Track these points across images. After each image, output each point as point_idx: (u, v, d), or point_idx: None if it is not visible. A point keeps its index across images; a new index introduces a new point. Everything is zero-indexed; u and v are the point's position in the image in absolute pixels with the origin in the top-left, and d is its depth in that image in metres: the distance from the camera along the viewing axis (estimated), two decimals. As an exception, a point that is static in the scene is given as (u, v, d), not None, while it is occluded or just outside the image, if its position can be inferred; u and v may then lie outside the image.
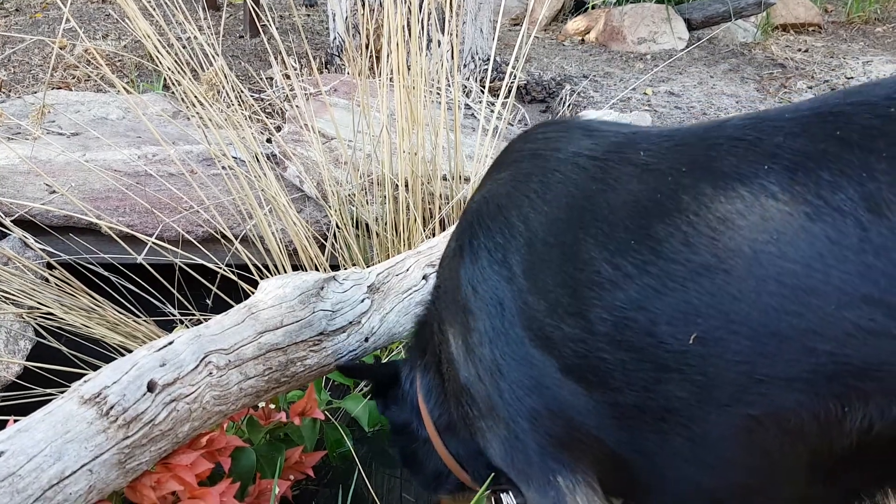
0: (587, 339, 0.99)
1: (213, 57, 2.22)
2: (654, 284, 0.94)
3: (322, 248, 2.43)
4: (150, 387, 1.25)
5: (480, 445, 1.25)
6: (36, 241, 2.21)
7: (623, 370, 0.97)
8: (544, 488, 1.13)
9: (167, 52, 2.19)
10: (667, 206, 0.96)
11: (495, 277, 1.12)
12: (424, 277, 1.79)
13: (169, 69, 2.20)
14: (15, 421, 1.25)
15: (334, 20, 3.79)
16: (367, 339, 1.65)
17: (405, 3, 2.40)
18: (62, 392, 1.25)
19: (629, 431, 1.02)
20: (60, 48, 4.02)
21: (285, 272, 2.37)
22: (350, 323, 1.61)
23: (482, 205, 1.21)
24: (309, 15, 4.88)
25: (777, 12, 4.88)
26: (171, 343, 1.34)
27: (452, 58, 2.51)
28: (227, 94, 2.36)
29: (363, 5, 3.53)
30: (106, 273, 2.23)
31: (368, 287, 1.68)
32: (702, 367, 0.91)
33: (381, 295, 1.71)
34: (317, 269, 2.37)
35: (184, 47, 2.36)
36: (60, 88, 3.28)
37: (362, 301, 1.65)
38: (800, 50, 4.70)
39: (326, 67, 3.84)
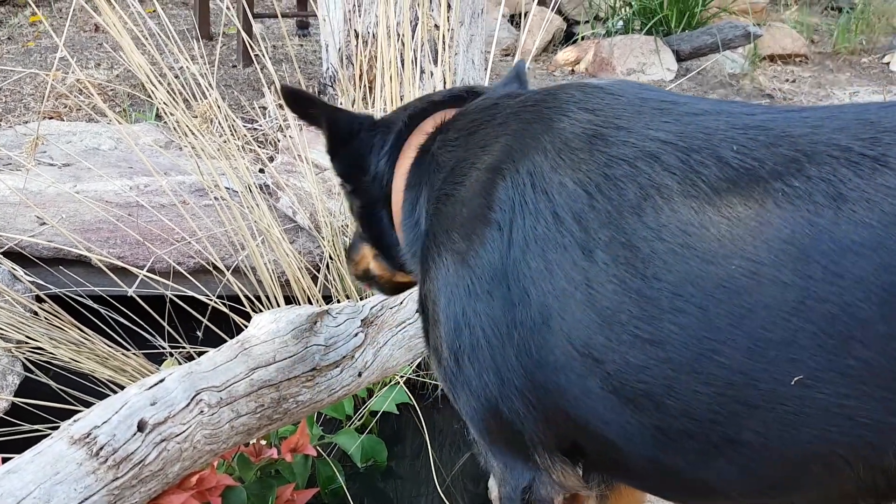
0: (653, 367, 0.90)
1: (207, 89, 2.22)
2: (757, 318, 0.84)
3: (315, 279, 2.42)
4: (141, 426, 1.24)
5: (449, 398, 1.18)
6: (25, 274, 2.19)
7: (689, 401, 0.89)
8: (525, 463, 1.10)
9: (160, 83, 2.19)
10: (774, 223, 0.85)
11: (528, 272, 0.99)
12: (419, 310, 1.78)
13: (162, 101, 2.20)
14: (4, 459, 1.23)
15: (327, 51, 3.81)
16: (360, 374, 1.63)
17: (398, 36, 2.41)
18: (51, 428, 1.24)
19: (663, 450, 0.94)
20: (53, 78, 4.02)
21: (278, 304, 2.36)
22: (343, 357, 1.60)
23: (521, 173, 1.03)
24: (302, 45, 4.90)
25: (764, 43, 4.93)
26: (162, 381, 1.32)
27: (445, 86, 2.53)
28: (220, 125, 2.37)
29: (356, 37, 3.55)
30: (96, 306, 2.22)
31: (362, 321, 1.67)
32: (797, 408, 0.84)
33: (375, 328, 1.70)
34: (309, 301, 2.36)
35: (176, 77, 2.37)
36: (52, 118, 3.28)
37: (356, 335, 1.64)
38: (787, 80, 4.75)
39: (319, 97, 3.85)
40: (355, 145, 1.31)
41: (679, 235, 0.89)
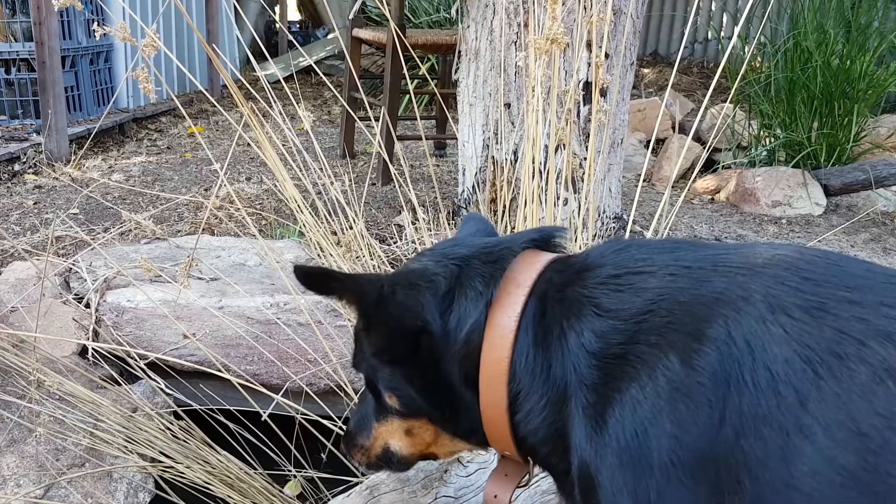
0: None
1: (354, 219, 2.27)
2: None
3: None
4: (267, 580, 1.20)
5: None
6: (167, 387, 2.25)
7: None
8: None
9: (304, 203, 2.26)
10: None
11: (742, 458, 0.89)
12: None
13: (304, 223, 2.27)
14: None
15: (464, 174, 3.88)
16: (488, 532, 1.55)
17: (542, 174, 2.41)
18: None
19: None
20: (205, 189, 4.26)
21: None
22: (472, 511, 1.53)
23: (737, 342, 0.92)
24: (438, 165, 5.03)
25: (921, 181, 4.69)
26: (291, 529, 1.29)
27: (583, 218, 2.50)
28: (358, 245, 2.41)
29: (494, 163, 3.60)
30: (227, 422, 2.25)
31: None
32: None
33: (506, 481, 1.62)
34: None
35: (319, 193, 2.44)
36: (204, 231, 3.45)
37: (486, 488, 1.57)
38: (947, 220, 4.47)
39: (454, 218, 3.90)
40: (395, 307, 1.14)
41: None
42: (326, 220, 2.34)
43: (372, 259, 2.59)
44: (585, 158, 2.58)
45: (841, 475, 0.82)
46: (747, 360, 0.91)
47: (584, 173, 2.53)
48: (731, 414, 0.90)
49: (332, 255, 2.31)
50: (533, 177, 2.36)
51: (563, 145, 2.56)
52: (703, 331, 0.95)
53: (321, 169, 2.33)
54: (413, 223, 3.42)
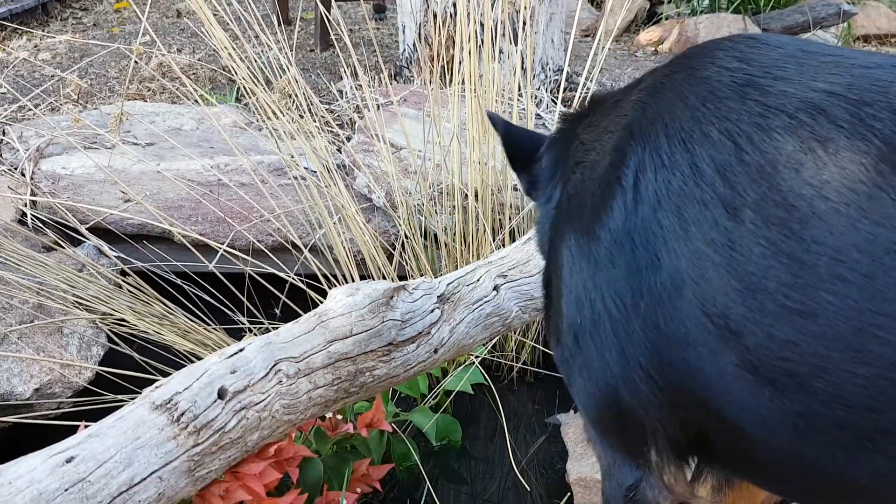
0: (802, 343, 0.79)
1: (287, 68, 2.22)
2: None
3: (390, 258, 2.41)
4: (221, 394, 1.24)
5: (565, 378, 1.11)
6: (111, 249, 2.24)
7: (843, 384, 0.78)
8: (635, 461, 1.02)
9: (242, 62, 2.20)
10: None
11: (659, 232, 0.90)
12: (496, 288, 1.75)
13: (244, 79, 2.21)
14: (86, 426, 1.25)
15: (404, 32, 3.80)
16: (436, 351, 1.61)
17: (477, 15, 2.37)
18: (133, 398, 1.25)
19: (805, 442, 0.84)
20: (137, 57, 4.11)
21: (353, 281, 2.36)
22: (419, 333, 1.58)
23: (654, 124, 0.94)
24: (378, 28, 4.90)
25: (859, 23, 4.71)
26: (241, 350, 1.32)
27: (524, 68, 2.48)
28: (299, 105, 2.38)
29: (434, 17, 3.52)
30: (178, 281, 2.25)
31: (438, 297, 1.64)
32: None
33: (451, 305, 1.67)
34: (385, 279, 2.35)
35: (259, 57, 2.37)
36: (136, 100, 3.35)
37: (432, 311, 1.62)
38: (883, 60, 4.52)
39: (395, 79, 3.84)
40: (535, 169, 1.29)
41: (846, 194, 0.78)
42: (266, 83, 2.29)
43: (314, 118, 2.55)
44: (524, 6, 2.53)
45: (762, 245, 0.82)
46: (662, 138, 0.92)
47: (524, 23, 2.48)
48: (646, 190, 0.92)
49: (273, 114, 2.27)
50: (471, 27, 2.31)
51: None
52: (627, 124, 0.99)
53: (263, 32, 2.25)
54: (357, 87, 3.36)
